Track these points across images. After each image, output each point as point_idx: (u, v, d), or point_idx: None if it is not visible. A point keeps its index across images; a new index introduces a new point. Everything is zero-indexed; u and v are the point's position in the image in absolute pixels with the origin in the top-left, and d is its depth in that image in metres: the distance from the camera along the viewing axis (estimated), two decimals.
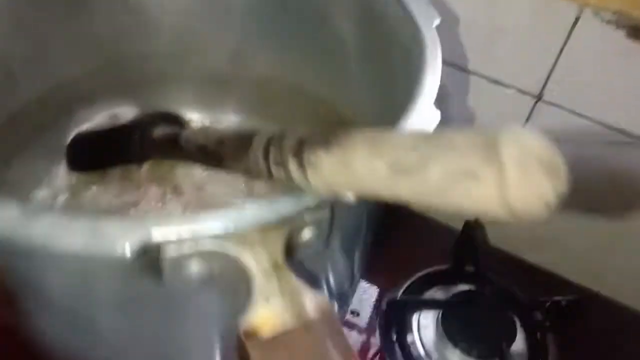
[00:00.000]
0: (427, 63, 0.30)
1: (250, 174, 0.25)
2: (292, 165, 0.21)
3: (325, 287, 0.36)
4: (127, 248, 0.19)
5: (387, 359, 0.47)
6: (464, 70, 0.50)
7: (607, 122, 0.47)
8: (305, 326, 0.20)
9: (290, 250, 0.23)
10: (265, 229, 0.22)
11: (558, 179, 0.14)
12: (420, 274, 0.53)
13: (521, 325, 0.50)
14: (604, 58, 0.44)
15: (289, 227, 0.23)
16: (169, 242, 0.20)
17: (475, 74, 0.49)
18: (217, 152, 0.27)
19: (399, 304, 0.48)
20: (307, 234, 0.24)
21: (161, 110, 0.44)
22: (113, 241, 0.19)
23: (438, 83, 0.29)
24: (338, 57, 0.40)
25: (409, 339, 0.48)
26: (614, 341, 0.50)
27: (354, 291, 0.41)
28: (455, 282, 0.52)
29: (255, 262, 0.21)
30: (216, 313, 0.25)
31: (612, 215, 0.52)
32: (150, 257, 0.20)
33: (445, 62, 0.49)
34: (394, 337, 0.48)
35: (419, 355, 0.48)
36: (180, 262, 0.21)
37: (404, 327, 0.49)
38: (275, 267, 0.21)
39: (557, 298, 0.48)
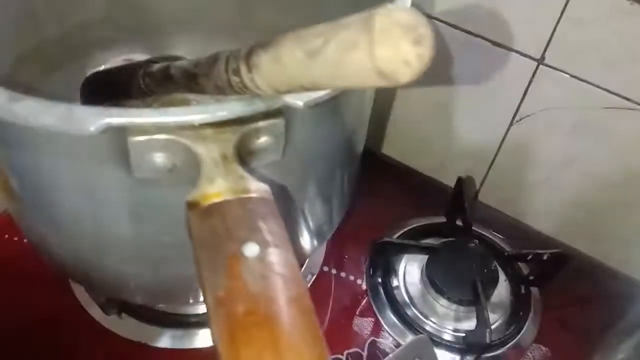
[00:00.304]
0: None
1: (219, 90, 0.28)
2: (244, 71, 0.24)
3: (303, 225, 0.39)
4: (94, 126, 0.23)
5: (371, 300, 0.50)
6: (466, 32, 0.51)
7: (608, 87, 0.48)
8: (240, 201, 0.23)
9: (245, 151, 0.27)
10: (218, 126, 0.25)
11: (422, 46, 0.16)
12: (413, 225, 0.56)
13: (506, 279, 0.52)
14: (604, 21, 0.44)
15: (242, 128, 0.26)
16: (132, 127, 0.24)
17: (478, 36, 0.51)
18: (194, 74, 0.31)
19: (384, 246, 0.51)
20: (262, 139, 0.27)
21: (171, 55, 0.48)
22: (82, 120, 0.22)
23: None
24: None
25: (393, 282, 0.51)
26: (590, 295, 0.52)
27: (332, 230, 0.44)
28: (446, 235, 0.54)
29: (206, 151, 0.24)
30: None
31: (610, 179, 0.53)
32: (116, 138, 0.24)
33: (448, 24, 0.51)
34: (379, 280, 0.51)
35: (403, 299, 0.50)
36: (143, 148, 0.24)
37: (389, 271, 0.51)
38: (224, 157, 0.24)
39: (539, 251, 0.50)
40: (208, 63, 0.29)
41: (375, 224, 0.56)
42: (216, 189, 0.23)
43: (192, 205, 0.23)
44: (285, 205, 0.34)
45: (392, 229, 0.55)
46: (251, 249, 0.21)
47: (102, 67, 0.48)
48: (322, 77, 0.19)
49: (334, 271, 0.53)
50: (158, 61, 0.43)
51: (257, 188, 0.24)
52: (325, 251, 0.54)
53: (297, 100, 0.25)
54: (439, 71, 0.55)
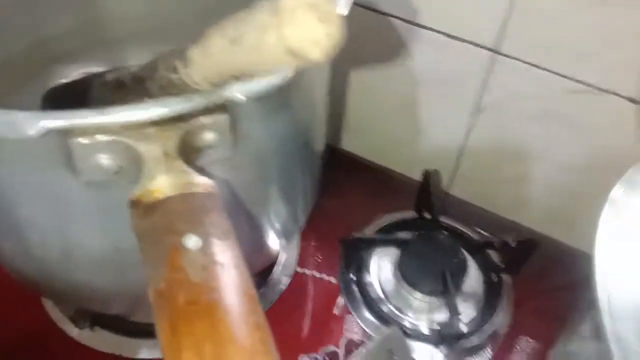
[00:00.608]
0: None
1: (164, 90, 0.28)
2: (180, 66, 0.24)
3: (266, 223, 0.39)
4: (33, 130, 0.23)
5: (345, 298, 0.50)
6: (421, 26, 0.52)
7: (566, 74, 0.48)
8: (182, 196, 0.23)
9: (191, 149, 0.27)
10: (161, 124, 0.25)
11: (331, 25, 0.17)
12: (384, 221, 0.56)
13: (478, 269, 0.52)
14: (558, 7, 0.45)
15: (185, 126, 0.26)
16: (73, 129, 0.24)
17: (432, 29, 0.52)
18: (141, 77, 0.31)
19: (354, 243, 0.51)
20: (207, 136, 0.27)
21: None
22: (20, 124, 0.23)
23: None
24: None
25: (366, 279, 0.51)
26: (565, 281, 0.52)
27: (298, 228, 0.44)
28: (417, 229, 0.54)
29: (148, 150, 0.24)
30: None
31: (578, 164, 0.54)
32: (58, 142, 0.24)
33: (403, 20, 0.52)
34: (352, 277, 0.51)
35: (377, 295, 0.50)
36: (86, 150, 0.25)
37: (362, 268, 0.52)
38: (167, 155, 0.25)
39: (507, 239, 0.50)
40: (152, 65, 0.29)
41: (348, 222, 0.56)
42: (158, 186, 0.23)
43: (134, 204, 0.23)
44: (245, 202, 0.34)
45: (364, 226, 0.55)
46: (192, 241, 0.21)
47: (62, 81, 0.48)
48: (246, 63, 0.19)
49: (309, 272, 0.53)
50: (113, 72, 0.43)
51: (200, 183, 0.24)
52: (300, 253, 0.54)
53: (240, 95, 0.26)
54: (397, 67, 0.56)
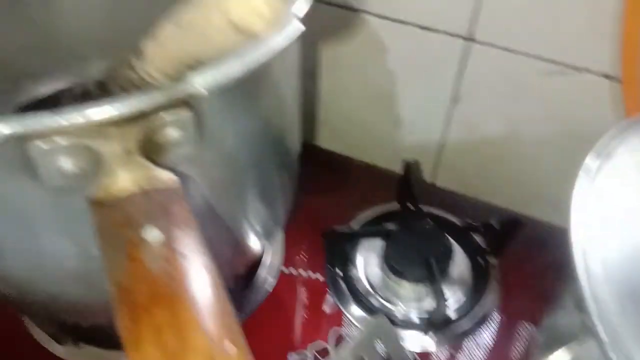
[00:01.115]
0: None
1: (125, 91, 0.28)
2: (135, 63, 0.24)
3: (244, 222, 0.39)
4: None
5: (333, 294, 0.50)
6: (394, 20, 0.52)
7: (540, 55, 0.49)
8: (143, 192, 0.23)
9: (154, 146, 0.26)
10: (121, 123, 0.25)
11: None
12: (368, 215, 0.56)
13: (464, 253, 0.52)
14: None
15: (146, 122, 0.26)
16: (30, 134, 0.23)
17: (405, 22, 0.52)
18: (104, 82, 0.31)
19: (338, 238, 0.51)
20: (170, 132, 0.27)
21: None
22: None
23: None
24: None
25: (353, 273, 0.51)
26: (552, 261, 0.52)
27: (280, 226, 0.44)
28: (400, 220, 0.54)
29: (109, 149, 0.24)
30: None
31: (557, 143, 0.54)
32: (18, 148, 0.24)
33: (375, 15, 0.52)
34: (339, 273, 0.51)
35: (365, 289, 0.50)
36: (47, 154, 0.24)
37: (347, 262, 0.52)
38: (127, 153, 0.24)
39: (491, 222, 0.50)
40: (113, 68, 0.29)
41: (332, 219, 0.56)
42: (117, 183, 0.23)
43: (94, 202, 0.22)
44: (219, 200, 0.34)
45: (348, 221, 0.55)
46: (152, 234, 0.21)
47: (33, 98, 0.48)
48: (197, 46, 0.19)
49: (295, 272, 0.53)
50: (81, 84, 0.43)
51: (162, 179, 0.24)
52: (285, 253, 0.54)
53: (201, 88, 0.26)
54: (373, 61, 0.56)
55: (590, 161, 0.32)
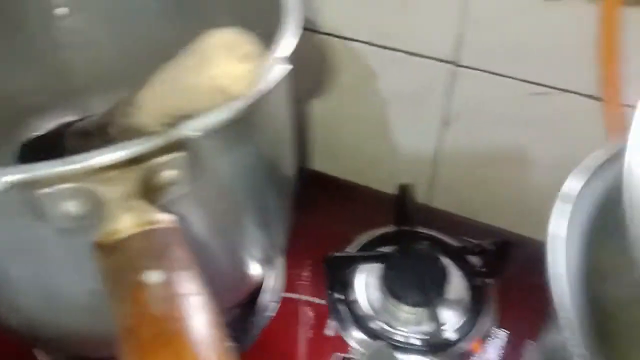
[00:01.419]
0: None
1: (123, 135, 0.30)
2: (132, 113, 0.26)
3: (245, 253, 0.40)
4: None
5: (334, 318, 0.51)
6: (380, 47, 0.54)
7: (526, 78, 0.50)
8: (144, 233, 0.24)
9: (152, 187, 0.28)
10: (121, 167, 0.26)
11: (249, 62, 0.18)
12: (366, 238, 0.57)
13: (462, 275, 0.53)
14: (507, 16, 0.46)
15: (144, 166, 0.27)
16: (36, 181, 0.25)
17: (391, 49, 0.53)
18: (104, 124, 0.32)
19: (337, 262, 0.52)
20: (167, 174, 0.28)
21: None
22: None
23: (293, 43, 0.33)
24: None
25: (352, 297, 0.52)
26: (544, 276, 0.53)
27: (279, 253, 0.45)
28: (397, 243, 0.55)
29: (110, 193, 0.25)
30: None
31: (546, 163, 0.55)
32: (24, 194, 0.25)
33: (364, 43, 0.54)
34: (339, 297, 0.52)
35: (365, 312, 0.51)
36: (53, 199, 0.26)
37: (347, 286, 0.52)
38: (128, 196, 0.26)
39: (484, 243, 0.51)
40: (111, 112, 0.31)
41: (331, 243, 0.57)
42: (119, 225, 0.24)
43: (98, 245, 0.24)
44: (217, 233, 0.35)
45: (347, 245, 0.56)
46: (155, 276, 0.22)
47: (36, 134, 0.49)
48: (187, 102, 0.21)
49: (296, 296, 0.54)
50: (82, 121, 0.44)
51: (161, 219, 0.25)
52: (286, 278, 0.55)
53: (194, 131, 0.27)
54: (363, 88, 0.57)
55: (569, 184, 0.34)
